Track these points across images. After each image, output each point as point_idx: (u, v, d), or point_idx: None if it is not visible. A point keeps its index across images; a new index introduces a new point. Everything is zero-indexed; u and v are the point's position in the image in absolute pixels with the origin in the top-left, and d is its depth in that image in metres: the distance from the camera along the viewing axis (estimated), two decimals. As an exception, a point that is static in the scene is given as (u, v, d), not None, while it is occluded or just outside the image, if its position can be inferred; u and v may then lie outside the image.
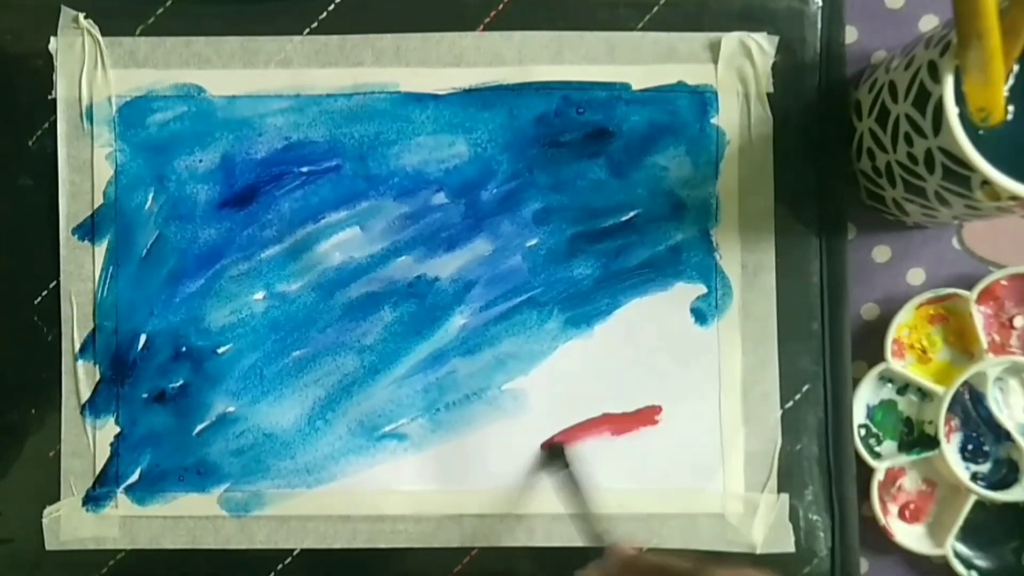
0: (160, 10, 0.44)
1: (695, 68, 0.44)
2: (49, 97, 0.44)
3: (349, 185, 0.44)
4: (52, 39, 0.44)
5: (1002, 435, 0.43)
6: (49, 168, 0.44)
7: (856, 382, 0.43)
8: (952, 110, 0.34)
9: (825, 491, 0.43)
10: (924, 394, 0.44)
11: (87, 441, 0.43)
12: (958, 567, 0.43)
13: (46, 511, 0.43)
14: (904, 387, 0.44)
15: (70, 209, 0.44)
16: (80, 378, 0.43)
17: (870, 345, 0.44)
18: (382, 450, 0.43)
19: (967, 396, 0.44)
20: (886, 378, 0.44)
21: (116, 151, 0.44)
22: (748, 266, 0.44)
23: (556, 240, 0.44)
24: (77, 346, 0.43)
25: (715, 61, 0.44)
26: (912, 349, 0.44)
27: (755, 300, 0.43)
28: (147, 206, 0.44)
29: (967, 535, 0.43)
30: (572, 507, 0.41)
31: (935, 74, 0.35)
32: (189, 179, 0.44)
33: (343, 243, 0.44)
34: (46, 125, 0.44)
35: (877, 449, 0.44)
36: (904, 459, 0.43)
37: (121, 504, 0.43)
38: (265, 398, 0.43)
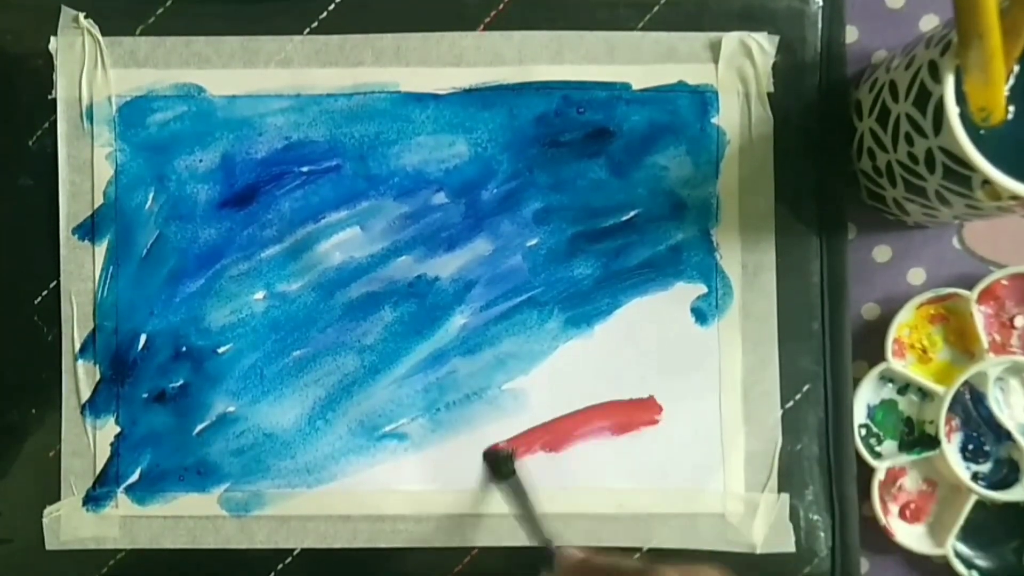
0: (160, 10, 0.44)
1: (695, 68, 0.44)
2: (49, 97, 0.44)
3: (349, 185, 0.44)
4: (52, 39, 0.44)
5: (1003, 435, 0.43)
6: (49, 168, 0.44)
7: (857, 382, 0.43)
8: (953, 110, 0.34)
9: (825, 491, 0.43)
10: (925, 394, 0.44)
11: (87, 441, 0.43)
12: (959, 567, 0.43)
13: (46, 511, 0.43)
14: (905, 387, 0.44)
15: (70, 209, 0.44)
16: (80, 378, 0.43)
17: (870, 345, 0.44)
18: (382, 450, 0.43)
19: (968, 396, 0.44)
20: (887, 378, 0.44)
21: (116, 151, 0.44)
22: (748, 266, 0.44)
23: (556, 240, 0.44)
24: (77, 346, 0.43)
25: (715, 61, 0.43)
26: (913, 349, 0.44)
27: (755, 300, 0.43)
28: (147, 206, 0.44)
29: (968, 535, 0.43)
30: (518, 511, 0.41)
31: (936, 74, 0.35)
32: (189, 179, 0.44)
33: (343, 243, 0.44)
34: (46, 125, 0.44)
35: (878, 449, 0.44)
36: (905, 459, 0.43)
37: (121, 504, 0.43)
38: (265, 398, 0.43)
